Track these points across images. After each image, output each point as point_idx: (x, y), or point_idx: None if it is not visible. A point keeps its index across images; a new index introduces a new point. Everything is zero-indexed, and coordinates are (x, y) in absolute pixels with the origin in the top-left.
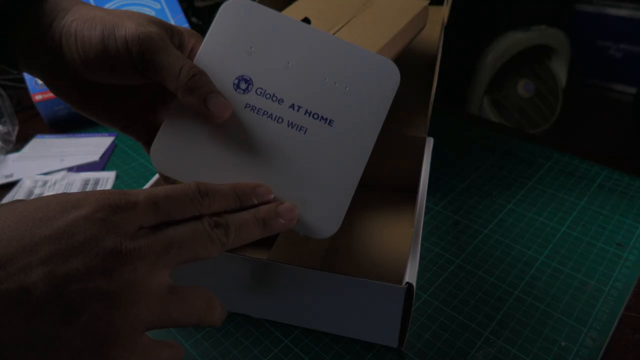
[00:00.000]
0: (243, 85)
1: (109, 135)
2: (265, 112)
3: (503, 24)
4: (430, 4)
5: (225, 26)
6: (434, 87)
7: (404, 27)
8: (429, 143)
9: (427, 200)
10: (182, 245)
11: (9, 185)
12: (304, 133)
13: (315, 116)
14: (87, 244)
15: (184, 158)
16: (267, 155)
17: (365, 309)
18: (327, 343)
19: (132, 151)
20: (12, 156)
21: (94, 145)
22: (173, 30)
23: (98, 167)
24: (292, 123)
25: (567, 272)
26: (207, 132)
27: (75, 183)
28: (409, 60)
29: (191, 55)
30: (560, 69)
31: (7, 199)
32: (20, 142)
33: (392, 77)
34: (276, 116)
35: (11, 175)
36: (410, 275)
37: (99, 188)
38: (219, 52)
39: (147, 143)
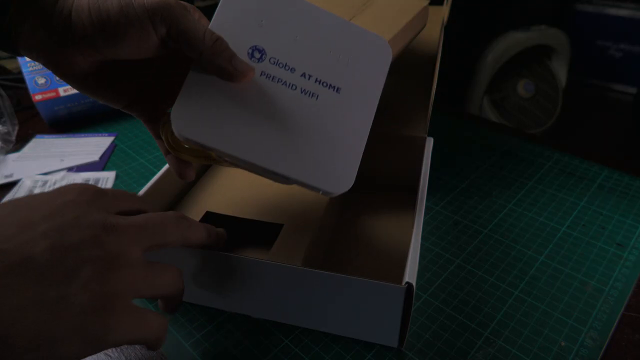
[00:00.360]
0: (257, 55)
1: (109, 135)
2: (280, 80)
3: (503, 24)
4: (430, 4)
5: (235, 1)
6: (433, 87)
7: (404, 27)
8: (429, 143)
9: (427, 200)
10: (154, 229)
11: (9, 185)
12: (316, 99)
13: (325, 84)
14: (78, 220)
15: (205, 122)
16: (284, 118)
17: (365, 309)
18: (327, 343)
19: (132, 151)
20: (12, 156)
21: (94, 145)
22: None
23: (98, 167)
24: (304, 90)
25: (567, 272)
26: (227, 97)
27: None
28: (409, 60)
29: None
30: (560, 69)
31: (8, 199)
32: (20, 142)
33: (385, 50)
34: (290, 83)
35: (11, 175)
36: (410, 275)
37: None
38: (231, 22)
39: (149, 121)
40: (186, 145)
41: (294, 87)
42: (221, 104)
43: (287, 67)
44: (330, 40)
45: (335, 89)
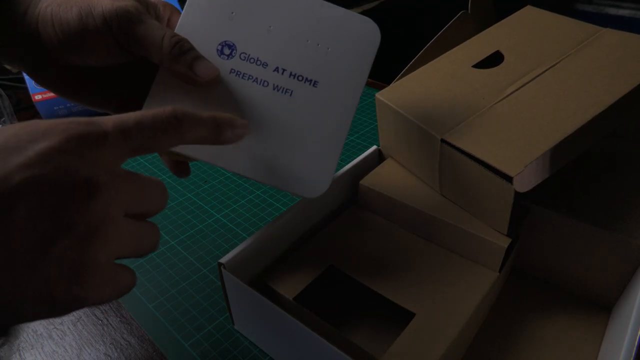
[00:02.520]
0: (227, 51)
1: None
2: (251, 77)
3: None
4: None
5: None
6: None
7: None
8: None
9: None
10: (145, 186)
11: None
12: (290, 95)
13: (300, 78)
14: (59, 176)
15: None
16: (255, 118)
17: None
18: None
19: None
20: None
21: None
22: (148, 3)
23: None
24: (277, 86)
25: None
26: (194, 99)
27: None
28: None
29: (169, 25)
30: None
31: None
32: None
33: (372, 35)
34: (261, 80)
35: None
36: None
37: None
38: (199, 18)
39: None
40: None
41: (265, 83)
42: (187, 105)
43: (258, 62)
44: (308, 27)
45: (312, 83)
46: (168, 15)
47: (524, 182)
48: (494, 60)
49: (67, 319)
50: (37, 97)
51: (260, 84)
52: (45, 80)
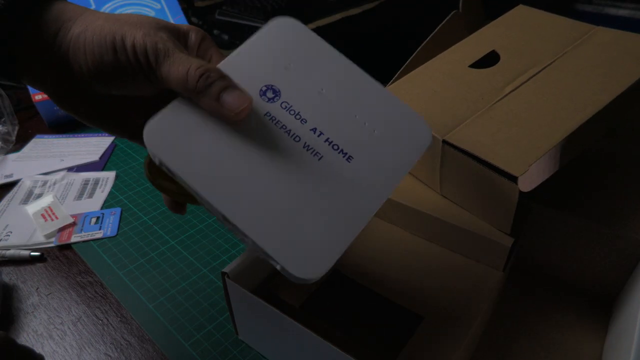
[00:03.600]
0: (270, 94)
1: (109, 135)
2: (284, 127)
3: None
4: None
5: (269, 38)
6: None
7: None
8: None
9: None
10: None
11: (9, 185)
12: (318, 159)
13: (336, 147)
14: None
15: (179, 142)
16: (271, 168)
17: None
18: None
19: (132, 151)
20: (12, 156)
21: (94, 145)
22: (179, 32)
23: (98, 167)
24: (308, 145)
25: None
26: (215, 125)
27: (75, 183)
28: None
29: (199, 52)
30: None
31: (7, 199)
32: (20, 142)
33: (424, 137)
34: (294, 134)
35: (11, 175)
36: None
37: (99, 188)
38: (254, 58)
39: None
40: (164, 180)
41: (297, 138)
42: (205, 130)
43: (298, 116)
44: (362, 104)
45: (346, 157)
46: (198, 41)
47: (528, 182)
48: (489, 59)
49: (67, 318)
50: (37, 97)
51: (291, 136)
52: (67, 105)
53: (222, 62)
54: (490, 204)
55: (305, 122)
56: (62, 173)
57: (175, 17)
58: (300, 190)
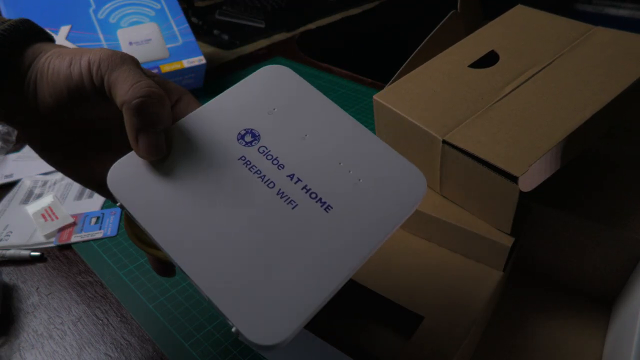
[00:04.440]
0: (248, 138)
1: None
2: (259, 172)
3: None
4: None
5: (256, 84)
6: None
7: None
8: None
9: None
10: None
11: (9, 185)
12: (292, 208)
13: (313, 195)
14: None
15: (142, 184)
16: (237, 215)
17: None
18: None
19: None
20: (12, 156)
21: None
22: (153, 74)
23: None
24: (283, 192)
25: None
26: (183, 168)
27: (75, 183)
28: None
29: (175, 108)
30: None
31: (7, 199)
32: (20, 142)
33: (417, 186)
34: (269, 179)
35: (11, 176)
36: None
37: None
38: (239, 102)
39: None
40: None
41: (271, 184)
42: (170, 173)
43: (275, 161)
44: (347, 150)
45: (325, 206)
46: (179, 95)
47: (529, 182)
48: (488, 59)
49: (67, 318)
50: None
51: (265, 182)
52: (31, 137)
53: (206, 104)
54: (490, 204)
55: (283, 168)
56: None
57: (175, 17)
58: (267, 241)
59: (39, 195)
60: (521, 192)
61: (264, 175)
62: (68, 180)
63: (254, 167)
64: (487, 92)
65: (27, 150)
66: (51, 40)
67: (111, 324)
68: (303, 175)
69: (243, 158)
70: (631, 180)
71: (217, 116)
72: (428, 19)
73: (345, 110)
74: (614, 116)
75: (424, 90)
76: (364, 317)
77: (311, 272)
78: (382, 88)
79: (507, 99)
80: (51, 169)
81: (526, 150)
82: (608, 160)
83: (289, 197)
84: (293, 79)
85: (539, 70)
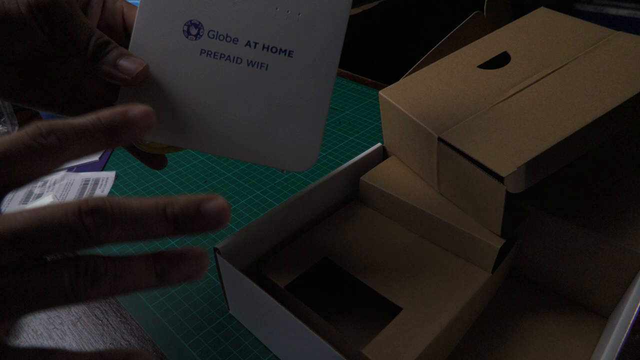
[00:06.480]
0: (193, 31)
1: None
2: (223, 55)
3: None
4: None
5: None
6: None
7: None
8: None
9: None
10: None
11: None
12: (266, 69)
13: (274, 50)
14: None
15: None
16: (232, 98)
17: None
18: None
19: None
20: None
21: None
22: None
23: (98, 167)
24: (251, 61)
25: None
26: (168, 85)
27: (75, 183)
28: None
29: (104, 7)
30: None
31: (7, 199)
32: None
33: None
34: (234, 57)
35: None
36: None
37: (98, 188)
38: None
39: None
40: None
41: (239, 60)
42: (161, 92)
43: (228, 39)
44: None
45: (287, 53)
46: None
47: (516, 183)
48: (501, 61)
49: (67, 318)
50: None
51: (233, 61)
52: None
53: (138, 9)
54: (481, 204)
55: (238, 41)
56: (61, 173)
57: None
58: (265, 102)
59: (39, 195)
60: (520, 196)
61: (228, 56)
62: (68, 180)
63: (216, 54)
64: (492, 93)
65: None
66: None
67: (111, 324)
68: (256, 37)
69: (203, 51)
70: (634, 189)
71: (154, 18)
72: (428, 19)
73: (346, 110)
74: (620, 123)
75: (429, 88)
76: (344, 303)
77: (307, 105)
78: (382, 88)
79: (510, 100)
80: None
81: (517, 152)
82: (612, 166)
83: (258, 62)
84: None
85: (549, 74)
